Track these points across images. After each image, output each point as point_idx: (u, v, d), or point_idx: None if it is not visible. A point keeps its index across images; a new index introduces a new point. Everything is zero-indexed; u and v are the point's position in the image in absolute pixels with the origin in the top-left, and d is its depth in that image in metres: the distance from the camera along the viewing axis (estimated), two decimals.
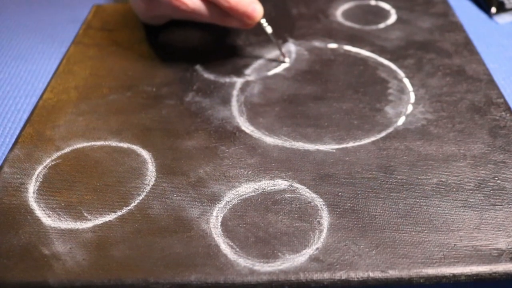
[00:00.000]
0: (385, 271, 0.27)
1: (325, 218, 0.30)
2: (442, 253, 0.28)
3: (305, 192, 0.32)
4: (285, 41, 0.48)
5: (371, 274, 0.27)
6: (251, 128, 0.38)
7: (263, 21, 0.43)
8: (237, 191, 0.32)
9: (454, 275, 0.27)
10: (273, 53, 0.46)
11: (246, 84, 0.42)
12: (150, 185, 0.33)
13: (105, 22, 0.51)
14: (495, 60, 0.47)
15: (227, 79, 0.43)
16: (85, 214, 0.31)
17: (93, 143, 0.37)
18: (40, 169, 0.34)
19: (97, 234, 0.30)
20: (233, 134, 0.37)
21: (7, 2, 0.59)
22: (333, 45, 0.47)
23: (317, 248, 0.29)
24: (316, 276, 0.27)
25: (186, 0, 0.39)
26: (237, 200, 0.32)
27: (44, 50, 0.51)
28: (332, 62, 0.45)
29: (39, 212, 0.31)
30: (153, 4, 0.44)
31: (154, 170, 0.34)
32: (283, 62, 0.45)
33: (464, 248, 0.28)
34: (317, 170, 0.34)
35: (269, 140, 0.36)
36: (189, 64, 0.45)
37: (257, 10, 0.40)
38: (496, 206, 0.31)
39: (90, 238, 0.30)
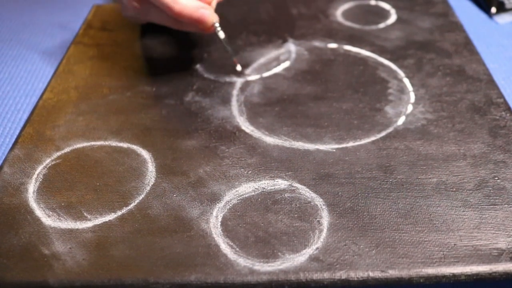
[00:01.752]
0: (385, 271, 0.27)
1: (325, 218, 0.30)
2: (442, 252, 0.28)
3: (305, 191, 0.32)
4: (285, 41, 0.48)
5: (371, 274, 0.27)
6: (251, 127, 0.38)
7: (217, 25, 0.42)
8: (237, 191, 0.32)
9: (454, 275, 0.27)
10: (273, 53, 0.46)
11: (246, 84, 0.42)
12: (150, 185, 0.33)
13: (105, 22, 0.51)
14: (495, 60, 0.47)
15: (227, 79, 0.43)
16: (85, 214, 0.31)
17: (93, 143, 0.37)
18: (40, 169, 0.34)
19: (97, 234, 0.30)
20: (233, 134, 0.37)
21: (7, 2, 0.59)
22: (333, 45, 0.47)
23: (317, 248, 0.29)
24: (316, 276, 0.27)
25: (136, 4, 0.41)
26: (237, 200, 0.32)
27: (44, 50, 0.51)
28: (332, 62, 0.45)
29: (39, 212, 0.31)
30: (120, 4, 0.45)
31: (154, 170, 0.34)
32: (237, 70, 0.43)
33: (464, 247, 0.28)
34: (317, 170, 0.34)
35: (269, 140, 0.36)
36: (189, 64, 0.45)
37: (206, 14, 0.39)
38: (496, 206, 0.31)
39: (90, 238, 0.30)
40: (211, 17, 0.39)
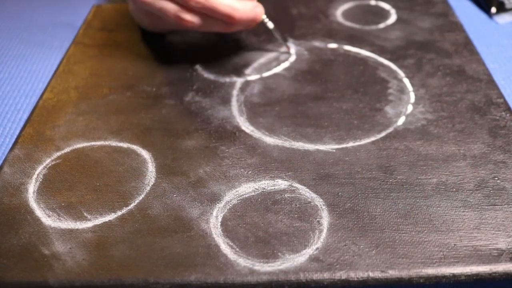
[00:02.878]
0: (385, 271, 0.27)
1: (325, 218, 0.30)
2: (442, 253, 0.28)
3: (305, 192, 0.32)
4: (285, 41, 0.48)
5: (371, 274, 0.27)
6: (251, 128, 0.38)
7: (264, 17, 0.44)
8: (237, 191, 0.32)
9: (454, 275, 0.27)
10: (273, 53, 0.46)
11: (246, 84, 0.42)
12: (150, 185, 0.33)
13: (105, 22, 0.51)
14: (495, 60, 0.47)
15: (227, 79, 0.43)
16: (85, 214, 0.31)
17: (93, 143, 0.37)
18: (40, 169, 0.34)
19: (97, 234, 0.30)
20: (233, 134, 0.37)
21: (7, 2, 0.59)
22: (333, 45, 0.47)
23: (317, 248, 0.29)
24: (316, 276, 0.27)
25: (192, 19, 0.40)
26: (237, 200, 0.32)
27: (44, 50, 0.51)
28: (332, 62, 0.45)
29: (39, 212, 0.31)
30: (155, 20, 0.45)
31: (154, 170, 0.34)
32: (288, 53, 0.45)
33: (464, 248, 0.28)
34: (317, 170, 0.34)
35: (269, 140, 0.36)
36: (189, 64, 0.45)
37: (259, 13, 0.41)
38: (496, 206, 0.31)
39: (90, 238, 0.30)
40: (262, 14, 0.41)
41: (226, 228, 0.30)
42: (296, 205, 0.31)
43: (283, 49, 0.46)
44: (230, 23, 0.40)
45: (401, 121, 0.38)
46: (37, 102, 0.41)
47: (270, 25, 0.45)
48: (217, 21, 0.40)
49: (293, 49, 0.46)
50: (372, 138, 0.36)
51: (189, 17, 0.40)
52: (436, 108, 0.39)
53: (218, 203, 0.32)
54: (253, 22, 0.41)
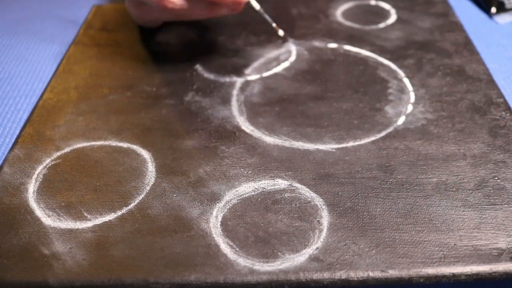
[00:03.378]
0: (385, 271, 0.27)
1: (325, 218, 0.30)
2: (442, 252, 0.28)
3: (305, 191, 0.32)
4: (285, 41, 0.48)
5: (371, 274, 0.27)
6: (251, 127, 0.38)
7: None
8: (237, 191, 0.32)
9: (454, 275, 0.27)
10: (273, 53, 0.46)
11: (246, 83, 0.42)
12: (150, 185, 0.33)
13: (105, 22, 0.51)
14: (495, 60, 0.47)
15: (227, 79, 0.43)
16: (85, 214, 0.31)
17: (93, 143, 0.37)
18: (40, 169, 0.34)
19: (97, 234, 0.30)
20: (233, 134, 0.37)
21: (7, 2, 0.59)
22: (333, 45, 0.47)
23: (317, 248, 0.29)
24: (316, 275, 0.27)
25: (174, 0, 0.39)
26: (237, 200, 0.32)
27: (44, 50, 0.51)
28: (332, 62, 0.45)
29: (39, 212, 0.31)
30: (142, 9, 0.44)
31: (154, 170, 0.34)
32: (279, 35, 0.46)
33: (464, 247, 0.28)
34: (317, 170, 0.34)
35: (269, 139, 0.36)
36: (189, 64, 0.45)
37: None
38: (496, 206, 0.31)
39: (90, 238, 0.30)
40: None
41: (226, 228, 0.30)
42: (296, 204, 0.31)
43: (280, 40, 0.46)
44: (213, 4, 0.39)
45: (401, 120, 0.38)
46: (37, 102, 0.41)
47: (256, 6, 0.44)
48: (200, 3, 0.40)
49: (293, 49, 0.46)
50: (372, 138, 0.36)
51: (183, 2, 0.39)
52: (436, 108, 0.39)
53: (218, 202, 0.32)
54: (239, 5, 0.40)
